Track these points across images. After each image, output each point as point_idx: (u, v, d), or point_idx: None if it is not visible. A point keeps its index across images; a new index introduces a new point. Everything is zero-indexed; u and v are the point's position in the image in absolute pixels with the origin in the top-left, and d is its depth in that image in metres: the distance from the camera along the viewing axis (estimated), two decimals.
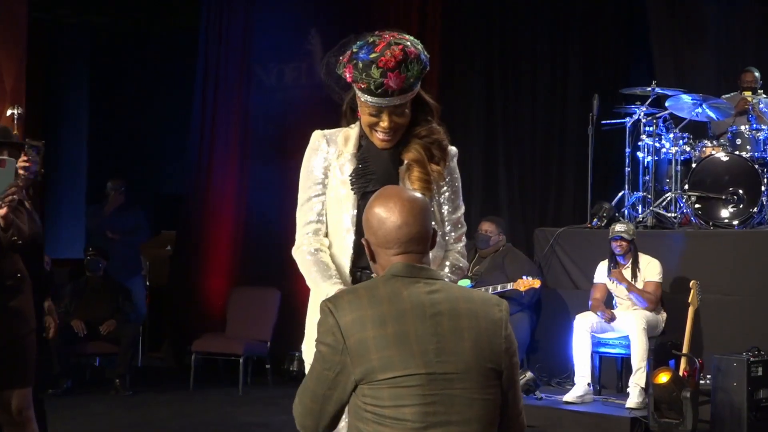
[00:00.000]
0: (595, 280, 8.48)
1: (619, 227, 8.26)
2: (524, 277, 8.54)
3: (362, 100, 3.47)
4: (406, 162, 3.53)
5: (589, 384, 8.11)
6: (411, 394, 2.68)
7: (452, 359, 2.72)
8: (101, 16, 13.04)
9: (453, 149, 3.65)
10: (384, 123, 3.47)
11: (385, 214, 2.84)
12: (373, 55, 3.38)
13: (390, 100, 3.42)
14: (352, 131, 3.64)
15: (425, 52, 3.50)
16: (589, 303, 8.36)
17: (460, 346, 2.74)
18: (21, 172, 4.76)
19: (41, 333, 5.62)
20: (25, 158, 4.70)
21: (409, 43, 3.44)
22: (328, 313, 2.76)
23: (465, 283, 8.85)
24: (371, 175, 3.55)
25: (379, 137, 3.52)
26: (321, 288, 3.47)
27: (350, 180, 3.56)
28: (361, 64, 3.38)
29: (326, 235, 3.61)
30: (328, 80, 3.57)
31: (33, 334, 4.75)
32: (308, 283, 3.57)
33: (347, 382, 2.72)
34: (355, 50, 3.43)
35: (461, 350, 2.74)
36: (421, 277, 2.82)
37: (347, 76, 3.44)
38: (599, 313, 8.16)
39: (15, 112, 8.84)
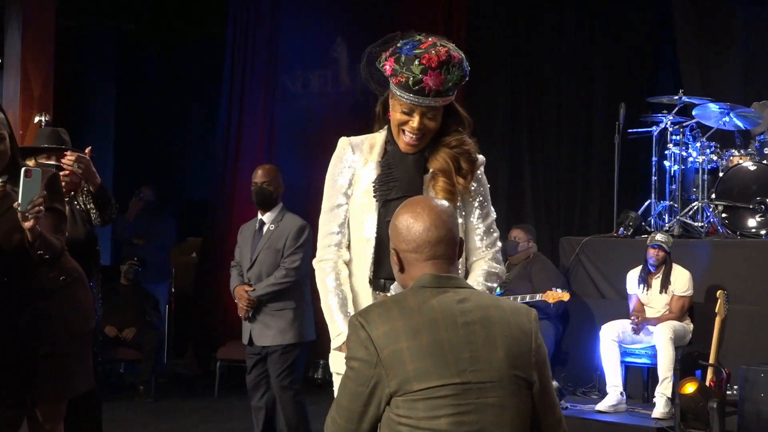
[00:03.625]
0: (628, 291, 8.44)
1: (660, 236, 8.23)
2: (554, 289, 8.51)
3: (396, 96, 3.45)
4: (431, 171, 3.51)
5: (621, 393, 8.07)
6: (445, 405, 2.68)
7: (486, 368, 2.73)
8: (128, 23, 13.09)
9: (481, 158, 3.63)
10: (414, 123, 3.46)
11: (413, 218, 2.86)
12: (417, 51, 3.40)
13: (424, 100, 3.41)
14: (379, 137, 3.62)
15: (467, 63, 3.48)
16: (630, 312, 8.32)
17: (494, 354, 2.75)
18: (64, 176, 4.74)
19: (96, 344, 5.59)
20: (71, 158, 4.69)
21: (452, 48, 3.46)
22: (359, 327, 2.76)
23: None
24: (394, 182, 3.54)
25: (405, 139, 3.51)
26: (334, 320, 3.50)
27: (373, 187, 3.55)
28: (404, 58, 3.39)
29: (348, 246, 3.59)
30: (367, 73, 3.58)
31: (91, 334, 4.67)
32: (323, 305, 3.58)
33: (382, 395, 2.73)
34: (399, 45, 3.46)
35: (495, 358, 2.75)
36: (449, 286, 2.82)
37: (387, 68, 3.44)
38: (631, 319, 8.11)
39: (42, 119, 8.88)
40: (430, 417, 2.68)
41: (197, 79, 13.25)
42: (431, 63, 3.38)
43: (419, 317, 2.74)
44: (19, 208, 4.14)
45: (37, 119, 8.91)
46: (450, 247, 2.88)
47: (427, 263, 2.85)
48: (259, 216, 6.85)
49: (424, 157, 3.54)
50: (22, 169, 4.18)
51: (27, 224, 4.17)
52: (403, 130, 3.49)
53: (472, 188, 3.57)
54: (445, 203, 2.98)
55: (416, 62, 3.37)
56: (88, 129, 13.31)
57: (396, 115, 3.49)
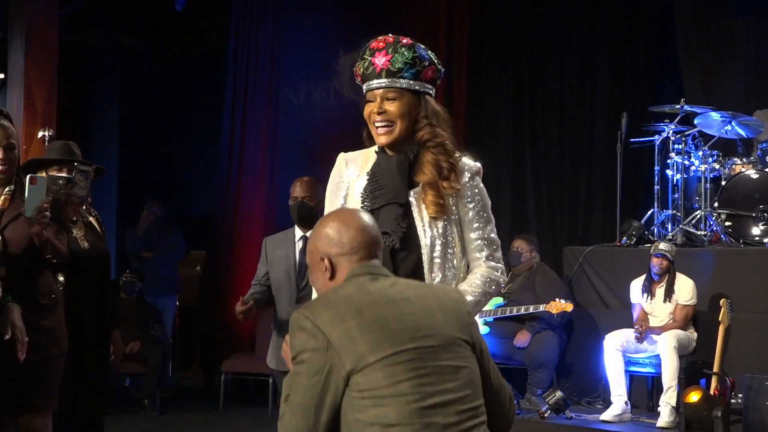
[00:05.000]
0: (632, 301, 8.44)
1: (663, 245, 8.24)
2: (557, 300, 8.52)
3: (362, 93, 3.58)
4: (421, 185, 3.53)
5: (626, 402, 8.07)
6: (405, 369, 2.73)
7: (431, 333, 2.81)
8: (131, 38, 13.13)
9: (476, 165, 3.63)
10: (375, 107, 3.53)
11: (344, 223, 2.96)
12: (370, 44, 3.57)
13: (379, 82, 3.51)
14: (372, 150, 3.67)
15: (434, 58, 3.57)
16: (634, 321, 8.33)
17: (434, 321, 2.84)
18: (73, 199, 4.76)
19: (106, 358, 5.58)
20: (70, 188, 4.72)
21: (409, 39, 3.56)
22: (303, 319, 2.80)
23: (497, 301, 8.85)
24: (380, 190, 3.58)
25: (377, 131, 3.57)
26: None
27: (361, 197, 3.60)
28: (361, 54, 3.56)
29: None
30: (349, 89, 3.70)
31: (63, 357, 4.62)
32: None
33: (339, 379, 2.74)
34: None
35: (436, 325, 2.83)
36: (380, 274, 2.93)
37: (356, 73, 3.60)
38: (635, 328, 8.11)
39: (46, 134, 8.92)
40: (392, 384, 2.71)
41: (200, 93, 13.28)
42: (378, 45, 3.53)
43: (358, 299, 2.81)
44: (25, 215, 4.28)
45: (40, 134, 8.95)
46: (378, 246, 2.99)
47: (359, 264, 2.93)
48: (299, 232, 6.04)
49: (408, 159, 3.57)
50: (27, 177, 4.33)
51: (34, 230, 4.32)
52: (374, 123, 3.55)
53: (469, 195, 3.57)
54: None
55: (367, 51, 3.55)
56: (92, 143, 13.35)
57: (365, 111, 3.58)
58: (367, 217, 3.01)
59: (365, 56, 3.54)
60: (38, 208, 4.29)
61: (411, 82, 3.52)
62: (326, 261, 2.95)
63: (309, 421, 2.77)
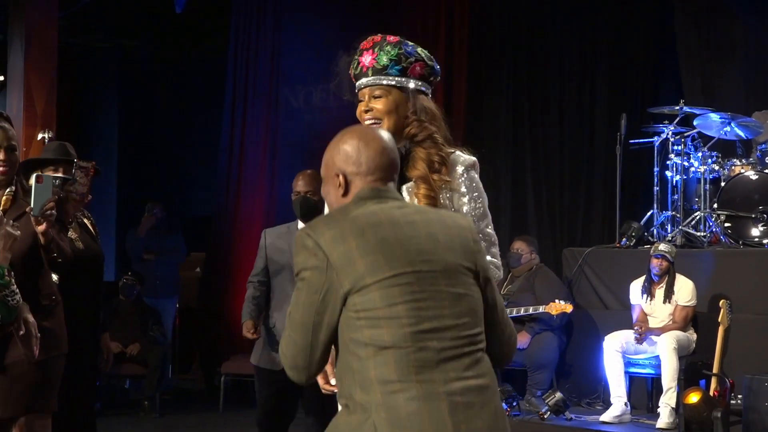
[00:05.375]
0: (631, 302, 8.45)
1: (663, 246, 8.25)
2: (557, 301, 8.53)
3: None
4: (413, 179, 3.54)
5: (626, 404, 8.07)
6: (402, 293, 2.73)
7: (433, 258, 2.80)
8: (131, 40, 13.15)
9: (471, 159, 3.60)
10: (363, 105, 3.56)
11: (365, 141, 2.94)
12: (360, 43, 3.60)
13: (366, 81, 3.54)
14: None
15: (422, 53, 3.58)
16: (633, 322, 8.33)
17: (437, 246, 2.82)
18: (74, 196, 4.78)
19: (96, 361, 5.58)
20: (70, 185, 4.73)
21: (397, 37, 3.58)
22: (306, 237, 2.80)
23: None
24: None
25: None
26: None
27: None
28: (353, 54, 3.59)
29: None
30: (340, 85, 3.73)
31: (62, 359, 4.61)
32: None
33: (336, 299, 2.75)
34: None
35: (439, 250, 2.82)
36: (388, 197, 2.91)
37: (351, 74, 3.64)
38: (635, 329, 8.11)
39: (45, 135, 8.92)
40: (388, 306, 2.72)
41: (200, 95, 13.29)
42: (366, 45, 3.57)
43: (362, 220, 2.80)
44: (32, 213, 4.33)
45: (40, 136, 8.95)
46: (396, 170, 2.98)
47: (374, 184, 2.92)
48: (302, 226, 6.02)
49: (401, 153, 3.57)
50: (34, 175, 4.42)
51: (40, 228, 4.36)
52: (364, 122, 3.57)
53: (461, 190, 3.56)
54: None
55: (357, 52, 3.58)
56: (92, 145, 13.36)
57: (357, 110, 3.61)
58: (387, 139, 2.98)
59: (355, 56, 3.57)
60: (45, 206, 4.33)
61: (397, 78, 3.53)
62: (341, 177, 2.94)
63: (307, 338, 2.79)
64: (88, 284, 5.36)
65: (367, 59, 3.53)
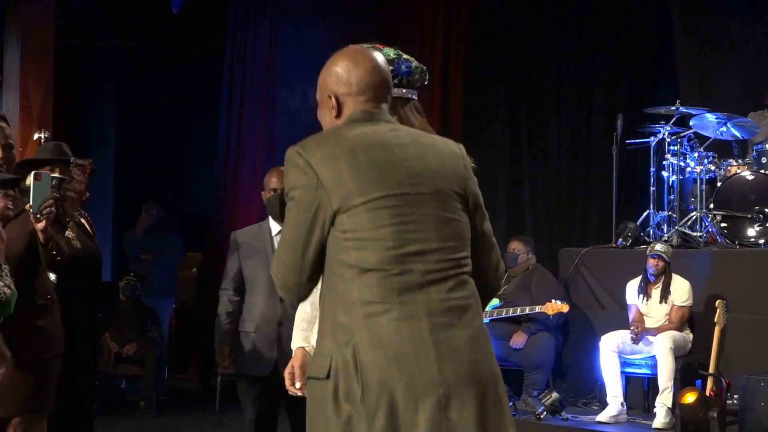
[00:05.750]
0: (628, 302, 8.45)
1: (659, 246, 8.25)
2: (553, 301, 8.53)
3: None
4: None
5: (622, 404, 8.07)
6: (389, 215, 2.76)
7: (423, 181, 2.83)
8: (128, 40, 13.15)
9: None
10: None
11: (355, 61, 2.96)
12: None
13: None
14: None
15: (395, 53, 3.53)
16: (630, 322, 8.33)
17: (428, 170, 2.85)
18: (71, 194, 4.77)
19: (96, 360, 5.56)
20: (68, 182, 4.72)
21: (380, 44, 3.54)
22: (296, 156, 2.83)
23: (493, 302, 8.85)
24: None
25: None
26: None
27: None
28: None
29: None
30: None
31: (58, 359, 4.59)
32: None
33: (325, 217, 2.78)
34: None
35: (429, 174, 2.85)
36: (381, 120, 2.92)
37: None
38: (631, 329, 8.11)
39: (42, 136, 8.91)
40: (374, 227, 2.75)
41: (197, 95, 13.30)
42: None
43: (354, 141, 2.82)
44: (31, 210, 4.37)
45: (36, 136, 8.94)
46: (388, 91, 2.99)
47: (366, 105, 2.93)
48: (276, 226, 5.49)
49: None
50: (32, 173, 4.44)
51: (40, 225, 4.41)
52: None
53: None
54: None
55: None
56: (89, 146, 13.36)
57: None
58: (379, 59, 3.00)
59: None
60: (44, 203, 4.35)
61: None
62: (333, 99, 2.96)
63: (297, 257, 2.82)
64: (86, 284, 5.34)
65: None
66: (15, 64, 9.25)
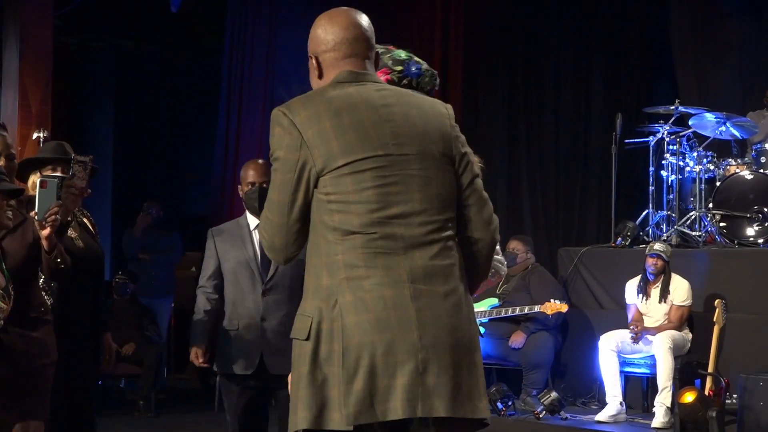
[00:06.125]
0: (627, 301, 8.44)
1: (658, 246, 8.25)
2: (552, 300, 8.53)
3: None
4: None
5: (621, 403, 8.07)
6: (372, 177, 2.79)
7: (407, 142, 2.84)
8: (126, 39, 13.13)
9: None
10: None
11: (329, 21, 3.01)
12: None
13: None
14: None
15: (389, 59, 3.55)
16: (629, 321, 8.33)
17: (414, 130, 2.86)
18: (73, 191, 4.75)
19: (99, 360, 5.55)
20: (69, 179, 4.68)
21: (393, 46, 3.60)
22: (281, 116, 2.87)
23: (492, 302, 8.86)
24: None
25: None
26: None
27: None
28: None
29: None
30: None
31: (53, 367, 4.55)
32: None
33: (310, 177, 2.81)
34: None
35: (414, 133, 2.86)
36: (367, 80, 2.94)
37: None
38: (630, 329, 8.11)
39: (41, 135, 8.90)
40: (357, 190, 2.78)
41: (195, 94, 13.28)
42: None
43: (339, 102, 2.84)
44: (36, 218, 4.34)
45: (35, 136, 8.93)
46: (366, 46, 3.00)
47: (345, 62, 2.96)
48: (254, 221, 5.33)
49: None
50: (38, 180, 4.44)
51: (44, 232, 4.38)
52: None
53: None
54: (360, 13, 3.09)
55: None
56: (87, 145, 13.32)
57: None
58: (358, 17, 3.02)
59: None
60: (49, 211, 4.33)
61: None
62: (314, 60, 3.01)
63: (283, 217, 2.85)
64: (89, 283, 5.32)
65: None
66: (14, 64, 9.24)
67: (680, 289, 8.19)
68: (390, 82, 3.54)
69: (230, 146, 11.60)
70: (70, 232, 5.10)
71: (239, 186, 5.51)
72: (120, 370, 9.68)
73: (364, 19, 3.03)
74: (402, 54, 3.53)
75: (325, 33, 2.98)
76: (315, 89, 2.97)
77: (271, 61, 11.53)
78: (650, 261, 8.21)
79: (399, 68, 3.56)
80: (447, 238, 2.86)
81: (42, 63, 9.31)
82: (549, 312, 8.51)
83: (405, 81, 3.52)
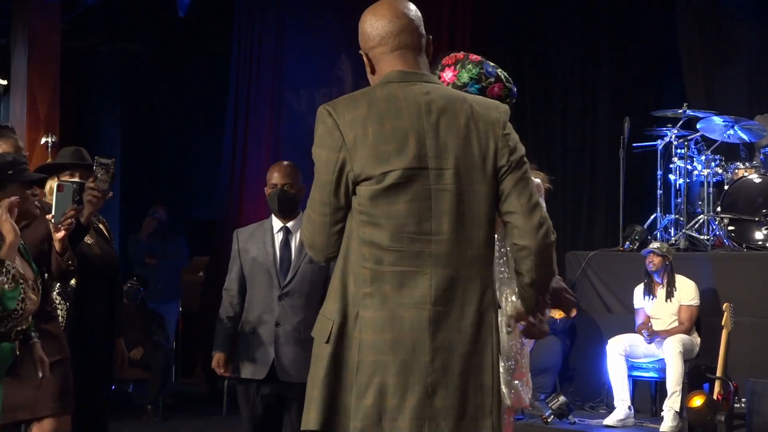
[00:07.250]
0: (635, 306, 8.43)
1: (653, 244, 8.27)
2: None
3: None
4: None
5: (629, 407, 8.07)
6: (404, 191, 2.80)
7: (447, 154, 2.83)
8: (134, 44, 13.15)
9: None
10: None
11: (375, 16, 3.00)
12: (442, 59, 3.66)
13: None
14: None
15: (502, 75, 3.63)
16: (636, 326, 8.31)
17: (455, 142, 2.85)
18: (95, 193, 4.75)
19: (112, 365, 5.56)
20: (92, 181, 4.69)
21: (479, 56, 3.63)
22: (326, 116, 2.87)
23: None
24: None
25: None
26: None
27: None
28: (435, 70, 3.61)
29: None
30: None
31: (68, 361, 4.61)
32: None
33: (348, 180, 2.82)
34: None
35: (455, 146, 2.85)
36: (416, 80, 2.93)
37: None
38: (644, 333, 8.10)
39: (49, 140, 8.93)
40: (388, 203, 2.79)
41: (203, 99, 13.29)
42: (448, 62, 3.63)
43: (384, 106, 2.84)
44: (52, 220, 4.41)
45: (43, 140, 8.96)
46: (414, 36, 3.01)
47: (394, 55, 2.95)
48: (278, 223, 5.33)
49: None
50: (55, 183, 4.54)
51: (59, 235, 4.43)
52: None
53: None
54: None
55: (438, 67, 3.62)
56: (95, 149, 13.27)
57: None
58: (401, 6, 3.02)
59: (436, 72, 3.58)
60: (65, 214, 4.40)
61: (473, 92, 3.54)
62: (365, 56, 3.02)
63: (325, 218, 2.87)
64: (105, 288, 5.34)
65: (448, 75, 3.57)
66: (22, 69, 9.26)
67: (687, 288, 8.19)
68: (501, 96, 3.56)
69: (238, 150, 11.60)
70: (87, 238, 5.11)
71: (265, 187, 5.47)
72: (128, 374, 9.68)
73: (410, 8, 3.04)
74: (499, 71, 3.65)
75: (371, 28, 2.98)
76: (363, 89, 2.97)
77: (278, 65, 11.53)
78: (647, 260, 8.24)
79: (510, 86, 3.62)
80: (475, 257, 2.87)
81: (50, 67, 9.33)
82: (557, 316, 8.50)
83: (508, 99, 3.59)
